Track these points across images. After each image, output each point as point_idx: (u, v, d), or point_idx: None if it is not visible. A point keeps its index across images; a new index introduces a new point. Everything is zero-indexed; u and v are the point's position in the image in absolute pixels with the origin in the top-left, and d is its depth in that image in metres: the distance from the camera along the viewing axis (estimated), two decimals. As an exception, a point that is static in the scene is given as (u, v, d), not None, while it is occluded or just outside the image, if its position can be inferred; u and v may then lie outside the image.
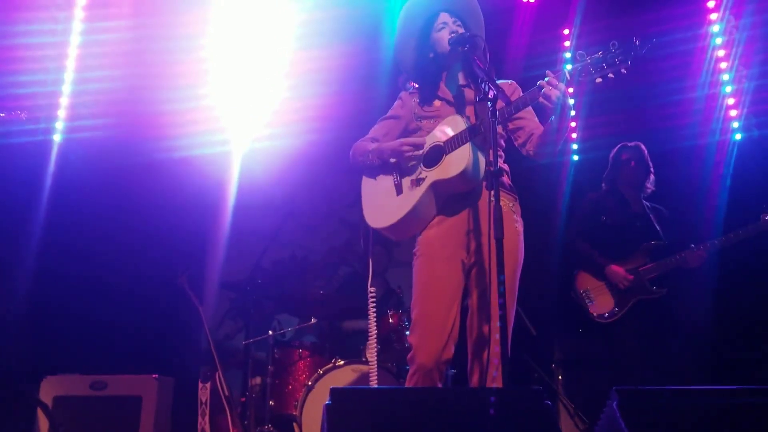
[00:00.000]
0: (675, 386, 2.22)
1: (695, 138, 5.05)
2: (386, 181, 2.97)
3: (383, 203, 2.95)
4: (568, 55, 5.66)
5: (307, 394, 4.06)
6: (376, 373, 3.30)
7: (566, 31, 5.70)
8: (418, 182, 2.86)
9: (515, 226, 2.85)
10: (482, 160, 2.76)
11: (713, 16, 5.20)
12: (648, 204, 4.45)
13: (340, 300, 4.76)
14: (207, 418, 4.01)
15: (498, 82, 2.83)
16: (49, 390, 3.92)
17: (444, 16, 2.95)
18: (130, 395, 3.94)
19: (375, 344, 3.27)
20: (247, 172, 5.19)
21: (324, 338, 4.80)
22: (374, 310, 3.14)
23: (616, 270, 4.20)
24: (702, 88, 5.13)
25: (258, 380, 4.54)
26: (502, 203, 2.52)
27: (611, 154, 4.53)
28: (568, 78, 2.63)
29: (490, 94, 2.56)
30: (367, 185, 3.06)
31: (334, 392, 2.05)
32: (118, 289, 4.65)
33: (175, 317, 4.76)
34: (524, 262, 2.87)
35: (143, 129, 4.85)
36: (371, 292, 3.12)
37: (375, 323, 3.18)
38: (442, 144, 2.84)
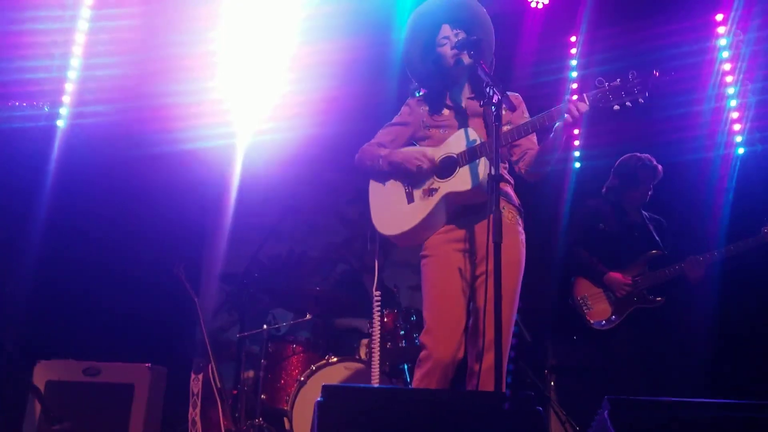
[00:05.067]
0: (668, 397, 2.22)
1: (699, 151, 5.04)
2: (396, 188, 2.97)
3: (393, 211, 2.95)
4: (574, 62, 5.66)
5: (299, 390, 4.06)
6: (378, 373, 3.29)
7: (573, 38, 5.70)
8: (430, 192, 2.87)
9: (519, 237, 2.87)
10: None
11: (721, 30, 5.19)
12: (647, 214, 4.44)
13: (336, 297, 4.74)
14: (198, 409, 4.01)
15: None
16: (42, 374, 3.92)
17: (445, 29, 2.95)
18: (122, 383, 3.94)
19: (378, 347, 3.26)
20: (249, 165, 5.18)
21: (318, 334, 4.79)
22: (379, 312, 3.14)
23: (615, 277, 4.19)
24: (708, 101, 5.13)
25: (251, 374, 4.53)
26: (506, 215, 2.60)
27: (620, 161, 4.45)
28: (587, 102, 2.64)
29: (495, 99, 2.56)
30: (376, 190, 3.05)
31: (326, 389, 2.06)
32: (115, 276, 4.65)
33: (171, 307, 4.76)
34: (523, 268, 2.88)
35: (148, 118, 4.83)
36: (377, 296, 3.12)
37: (379, 325, 3.17)
38: (455, 156, 2.84)
